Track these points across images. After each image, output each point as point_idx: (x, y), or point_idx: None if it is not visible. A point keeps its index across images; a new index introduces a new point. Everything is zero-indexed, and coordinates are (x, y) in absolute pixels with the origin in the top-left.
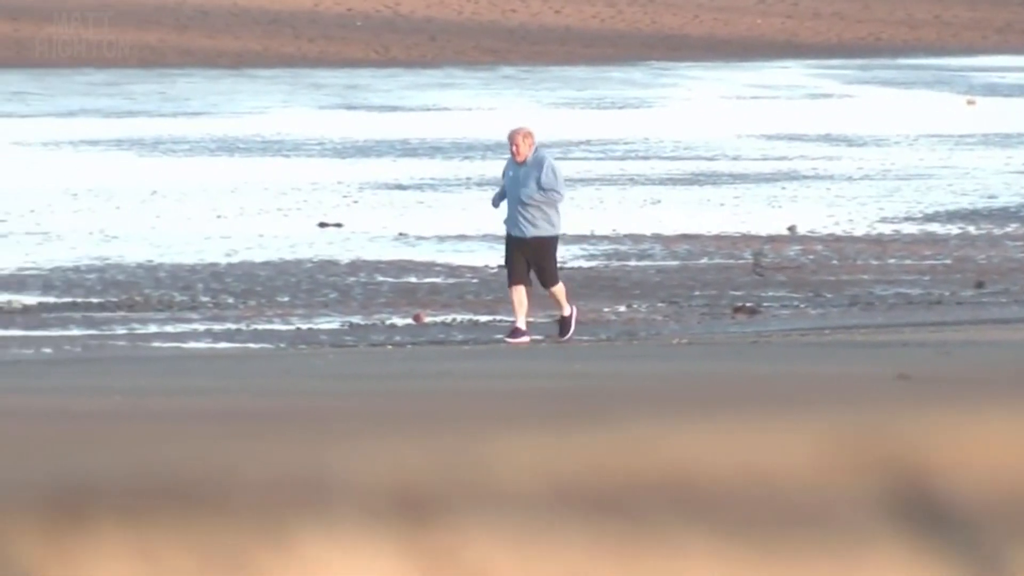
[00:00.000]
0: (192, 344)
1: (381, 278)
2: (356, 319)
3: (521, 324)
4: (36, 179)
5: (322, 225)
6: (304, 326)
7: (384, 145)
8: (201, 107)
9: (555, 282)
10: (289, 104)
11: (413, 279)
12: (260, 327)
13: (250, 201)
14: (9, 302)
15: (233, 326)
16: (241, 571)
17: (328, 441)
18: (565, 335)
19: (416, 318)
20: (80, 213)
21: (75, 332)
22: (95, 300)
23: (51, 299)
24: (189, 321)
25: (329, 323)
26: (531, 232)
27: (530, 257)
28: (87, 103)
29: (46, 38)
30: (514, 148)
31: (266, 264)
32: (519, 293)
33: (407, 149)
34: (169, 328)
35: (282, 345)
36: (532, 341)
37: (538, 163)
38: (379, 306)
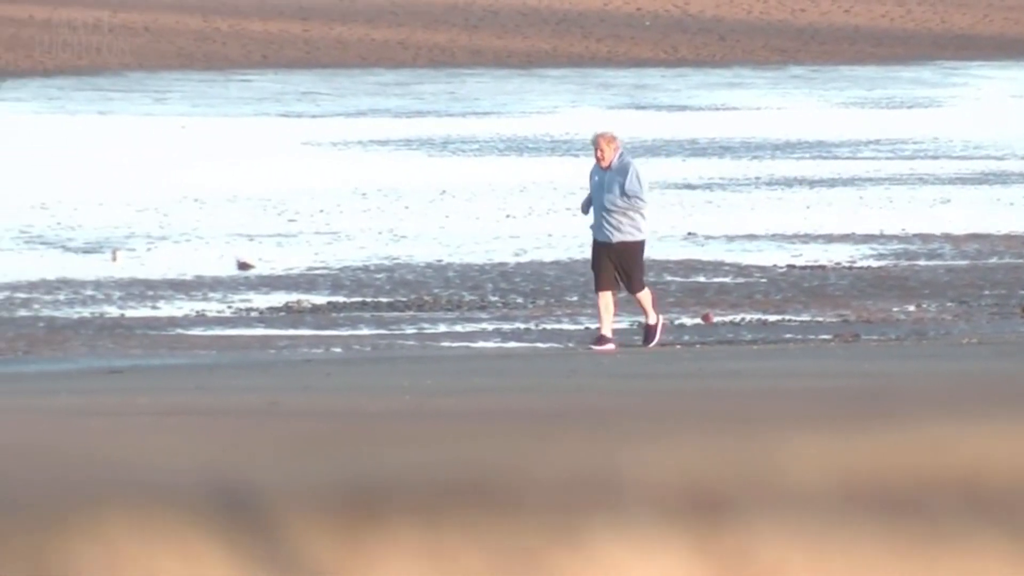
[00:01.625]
0: (481, 344)
1: (670, 277)
2: (644, 319)
3: (607, 331)
4: (326, 179)
5: None
6: (593, 325)
7: (673, 145)
8: (490, 107)
9: (641, 288)
10: (578, 104)
11: (702, 278)
12: (549, 326)
13: (539, 200)
14: (299, 302)
15: (522, 325)
16: (533, 571)
17: (619, 441)
18: (649, 343)
19: (705, 318)
20: (369, 213)
21: (364, 332)
22: (384, 300)
23: (341, 299)
24: (478, 321)
25: (617, 322)
26: (616, 237)
27: (617, 262)
28: (376, 103)
29: (335, 38)
30: (598, 153)
31: (555, 263)
32: (605, 299)
33: (696, 149)
34: (458, 328)
35: (571, 344)
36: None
37: (623, 168)
38: (668, 305)
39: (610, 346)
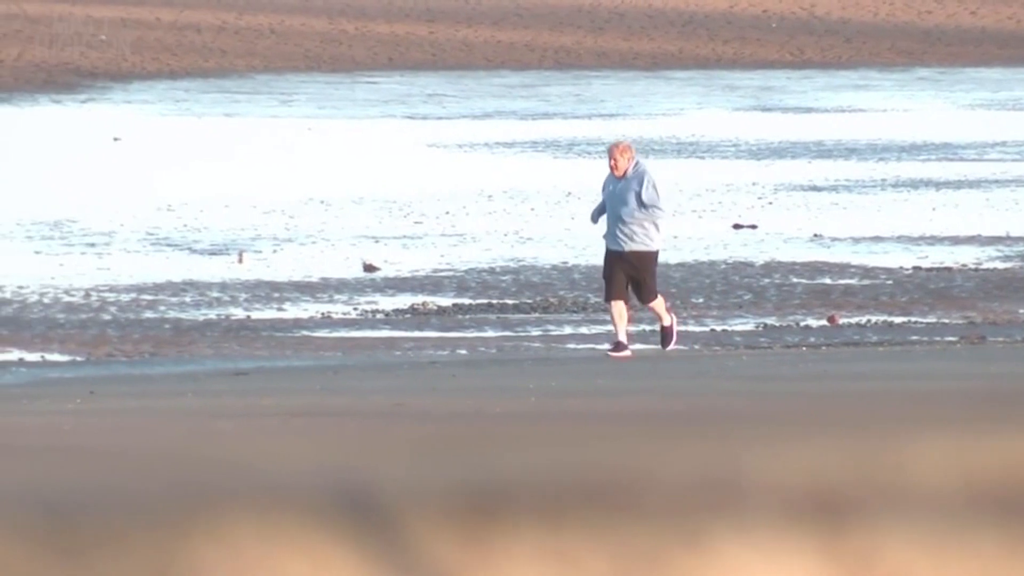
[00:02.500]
0: (606, 345)
1: (795, 279)
2: (770, 320)
3: (622, 338)
4: (451, 181)
5: (736, 227)
6: (718, 327)
7: (798, 147)
8: (616, 109)
9: (654, 297)
10: (703, 106)
11: (827, 280)
12: (675, 328)
13: (664, 203)
14: (424, 303)
15: (647, 327)
16: (656, 574)
17: (743, 443)
18: (667, 345)
19: (830, 319)
20: (495, 215)
21: (490, 333)
22: (510, 301)
23: (466, 300)
24: (603, 323)
25: (743, 324)
26: (629, 246)
27: (630, 272)
28: (502, 105)
29: (461, 40)
30: (612, 163)
31: (680, 265)
32: (618, 308)
33: (821, 150)
34: (583, 329)
35: (696, 346)
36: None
37: (638, 177)
38: (793, 307)
39: (627, 352)
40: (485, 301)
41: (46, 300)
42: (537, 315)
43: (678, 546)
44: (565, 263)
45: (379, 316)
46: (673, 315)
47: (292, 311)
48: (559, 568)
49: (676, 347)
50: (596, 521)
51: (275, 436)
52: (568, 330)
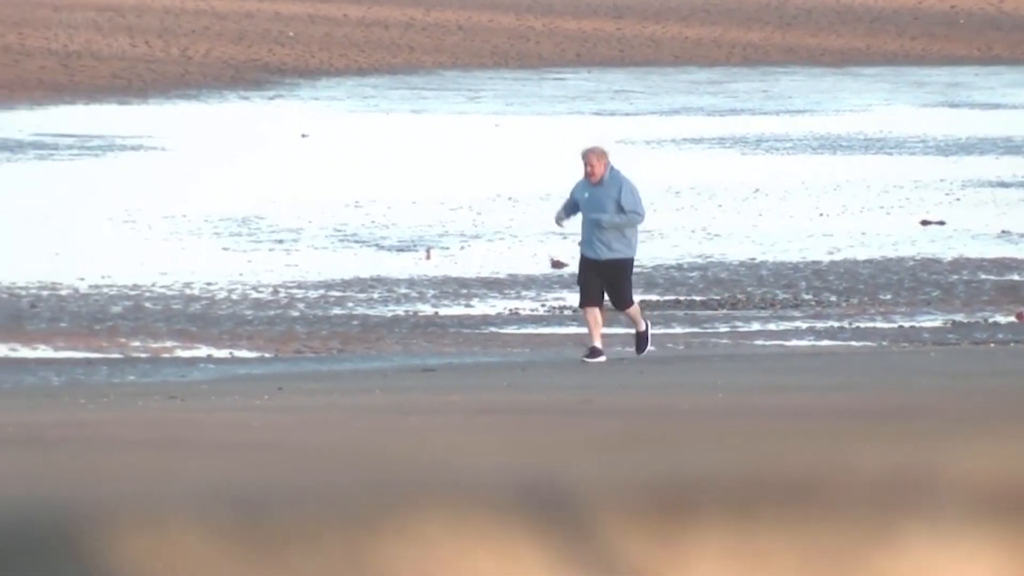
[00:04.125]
0: (794, 342)
1: (983, 276)
2: (958, 317)
3: (597, 343)
4: (638, 177)
5: (924, 223)
6: (906, 324)
7: (986, 143)
8: (804, 105)
9: (630, 304)
10: (891, 102)
11: (1016, 277)
12: (862, 325)
13: (852, 199)
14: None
15: (835, 324)
16: (847, 572)
17: (935, 440)
18: (643, 350)
19: (1019, 316)
20: (683, 211)
21: (678, 330)
22: (698, 298)
23: (654, 297)
24: (791, 319)
25: (931, 321)
26: (606, 255)
27: (605, 279)
28: (690, 101)
29: (648, 36)
30: (588, 168)
31: (868, 262)
32: (593, 314)
33: (1010, 147)
34: (772, 326)
35: (884, 343)
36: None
37: (615, 183)
38: (981, 304)
39: (602, 358)
40: (673, 297)
41: (234, 297)
42: (725, 311)
43: (869, 544)
44: (753, 259)
45: (566, 312)
46: (648, 321)
47: (479, 307)
48: (749, 565)
49: (651, 349)
50: (786, 518)
51: (462, 433)
52: (756, 326)
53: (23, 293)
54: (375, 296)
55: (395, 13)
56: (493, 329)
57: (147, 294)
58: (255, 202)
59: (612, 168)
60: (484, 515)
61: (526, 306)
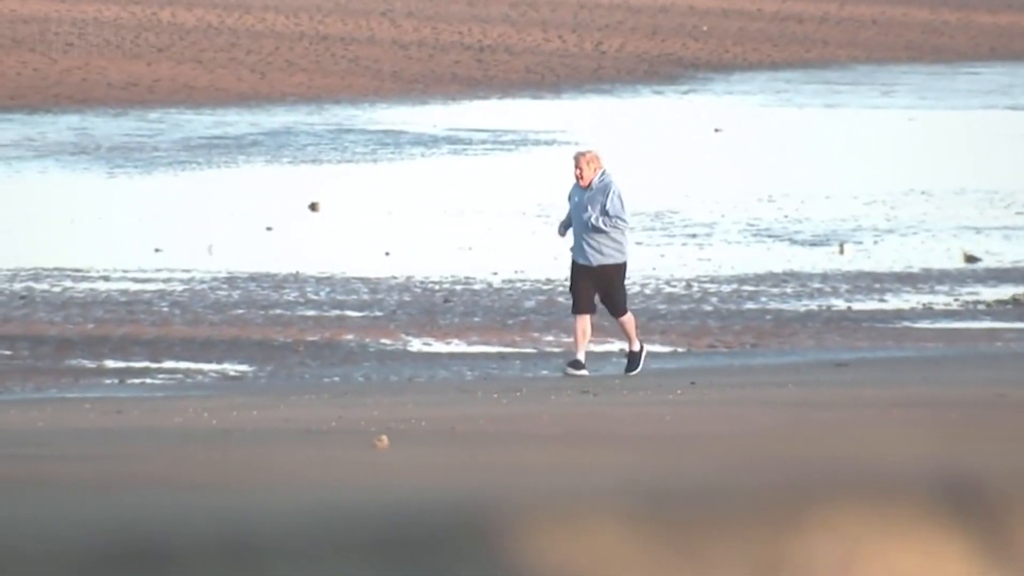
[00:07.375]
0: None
1: None
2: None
3: (581, 356)
4: None
5: None
6: None
7: None
8: None
9: (624, 311)
10: None
11: None
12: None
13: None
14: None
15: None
16: None
17: None
18: (634, 370)
19: None
20: None
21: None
22: None
23: None
24: None
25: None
26: (597, 260)
27: (597, 285)
28: None
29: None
30: (578, 172)
31: None
32: (583, 323)
33: None
34: None
35: None
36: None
37: (604, 188)
38: None
39: (584, 371)
40: None
41: (647, 291)
42: None
43: None
44: None
45: (980, 307)
46: (642, 341)
47: (893, 302)
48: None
49: (641, 369)
50: None
51: (875, 427)
52: None
53: (436, 288)
54: (788, 291)
55: (809, 7)
56: (906, 324)
57: (560, 288)
58: (669, 196)
59: (603, 173)
60: (906, 511)
61: (939, 301)
